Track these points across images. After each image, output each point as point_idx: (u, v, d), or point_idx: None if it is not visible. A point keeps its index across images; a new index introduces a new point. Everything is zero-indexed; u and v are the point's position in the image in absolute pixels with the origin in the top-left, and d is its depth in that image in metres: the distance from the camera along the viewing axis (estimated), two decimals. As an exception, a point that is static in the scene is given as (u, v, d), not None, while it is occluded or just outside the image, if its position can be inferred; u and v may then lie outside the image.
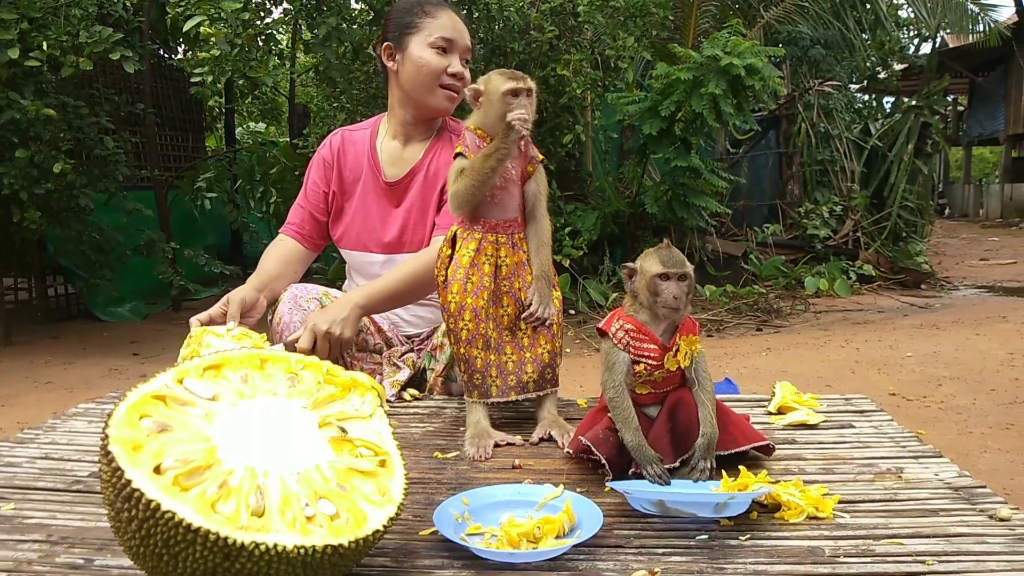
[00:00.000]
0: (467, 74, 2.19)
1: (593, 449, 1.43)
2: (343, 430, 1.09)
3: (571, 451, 1.52)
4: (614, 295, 7.28)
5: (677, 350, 1.45)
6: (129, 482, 0.89)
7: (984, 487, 1.37)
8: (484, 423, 1.71)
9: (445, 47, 2.15)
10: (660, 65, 7.09)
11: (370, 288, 2.04)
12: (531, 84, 1.70)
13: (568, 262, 7.23)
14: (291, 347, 1.93)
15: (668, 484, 1.35)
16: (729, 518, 1.25)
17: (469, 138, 1.73)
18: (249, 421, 1.03)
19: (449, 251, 1.75)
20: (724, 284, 7.88)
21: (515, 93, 1.67)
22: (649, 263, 1.45)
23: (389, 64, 2.20)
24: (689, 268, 1.45)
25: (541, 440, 1.69)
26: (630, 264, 1.49)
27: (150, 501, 0.88)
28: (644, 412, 1.48)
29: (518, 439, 1.69)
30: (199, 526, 0.87)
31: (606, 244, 7.95)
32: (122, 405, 0.97)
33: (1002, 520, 1.23)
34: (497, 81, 1.68)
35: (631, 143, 8.40)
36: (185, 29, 5.41)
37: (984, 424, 3.94)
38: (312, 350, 1.92)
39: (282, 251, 2.31)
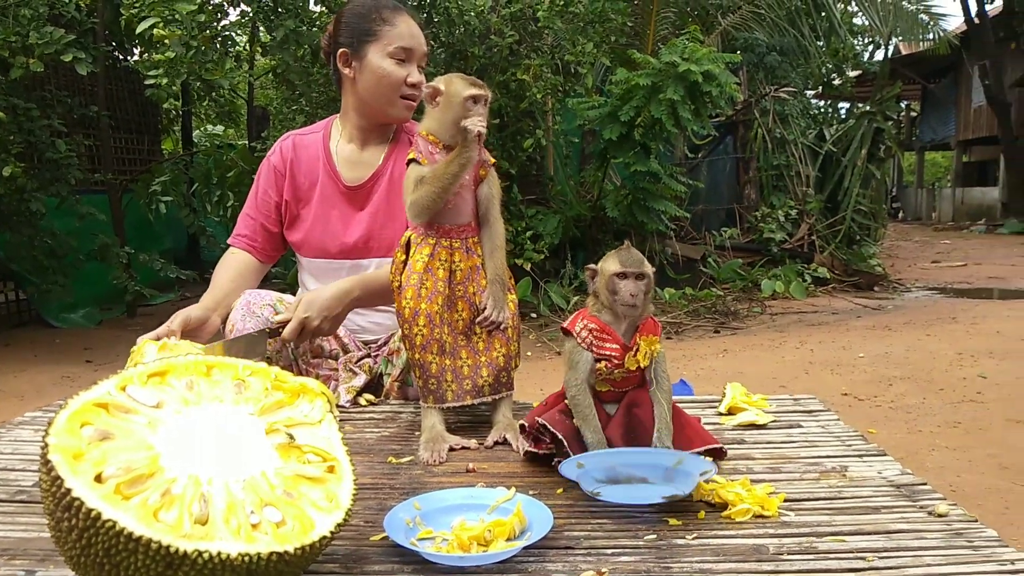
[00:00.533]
0: (424, 80, 2.18)
1: (549, 427, 1.45)
2: (291, 436, 1.09)
3: (525, 423, 1.55)
4: (575, 298, 7.32)
5: (637, 350, 1.47)
6: (69, 491, 0.88)
7: (924, 484, 1.41)
8: (439, 427, 1.71)
9: (404, 57, 2.12)
10: (619, 71, 7.17)
11: (366, 281, 2.05)
12: (489, 93, 1.70)
13: (529, 266, 7.26)
14: (276, 328, 1.96)
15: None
16: (677, 519, 1.27)
17: (422, 144, 1.72)
18: (194, 428, 1.02)
19: (403, 256, 1.74)
20: (683, 287, 7.98)
21: (475, 100, 1.66)
22: (609, 263, 1.50)
23: (345, 71, 2.16)
24: (647, 268, 1.49)
25: (496, 444, 1.70)
26: (592, 265, 1.54)
27: (91, 510, 0.87)
28: (603, 408, 1.51)
29: (473, 443, 1.69)
30: (141, 535, 0.86)
31: (567, 248, 8.00)
32: (63, 413, 0.96)
33: (940, 516, 1.27)
34: (459, 85, 1.67)
35: (592, 148, 8.46)
36: (139, 31, 5.33)
37: (933, 423, 4.04)
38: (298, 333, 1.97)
39: (235, 265, 2.25)
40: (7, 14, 5.43)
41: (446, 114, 1.68)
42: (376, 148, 2.24)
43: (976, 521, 1.25)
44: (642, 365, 1.48)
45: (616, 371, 1.48)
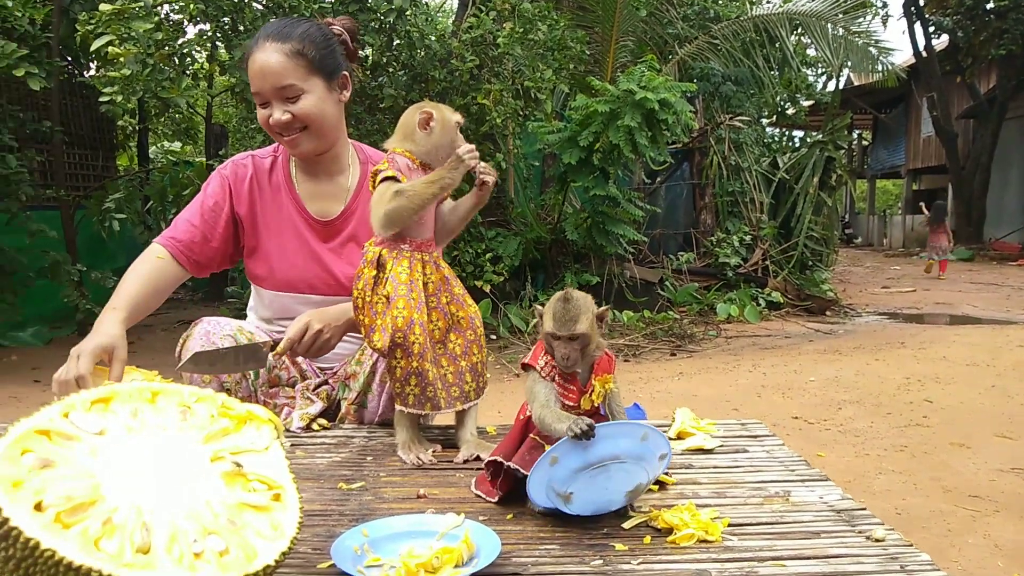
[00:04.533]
0: (298, 108, 2.01)
1: (520, 470, 1.44)
2: (237, 464, 1.08)
3: (502, 460, 1.50)
4: (535, 321, 7.35)
5: (592, 390, 1.49)
6: (7, 520, 0.86)
7: (864, 509, 1.45)
8: (416, 432, 1.81)
9: (259, 101, 2.05)
10: (579, 97, 7.28)
11: None
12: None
13: (489, 287, 7.28)
14: (274, 343, 1.95)
15: (592, 437, 1.32)
16: (623, 544, 1.29)
17: (401, 161, 1.78)
18: (137, 456, 1.01)
19: (373, 272, 1.77)
20: (641, 310, 8.07)
21: (460, 125, 1.82)
22: (546, 319, 1.46)
23: None
24: (582, 325, 1.43)
25: (466, 461, 1.75)
26: (539, 307, 1.52)
27: (29, 539, 0.86)
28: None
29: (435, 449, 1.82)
30: (80, 564, 0.86)
31: (527, 270, 8.05)
32: (4, 440, 0.95)
33: (877, 541, 1.30)
34: (447, 113, 1.81)
35: (552, 171, 8.56)
36: (94, 48, 5.27)
37: (880, 446, 4.13)
38: (297, 342, 1.95)
39: (157, 272, 2.05)
40: (-43, 27, 5.35)
41: (441, 138, 1.79)
42: (332, 180, 2.18)
43: (911, 545, 1.29)
44: (596, 404, 1.50)
45: (572, 409, 1.49)
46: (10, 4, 5.47)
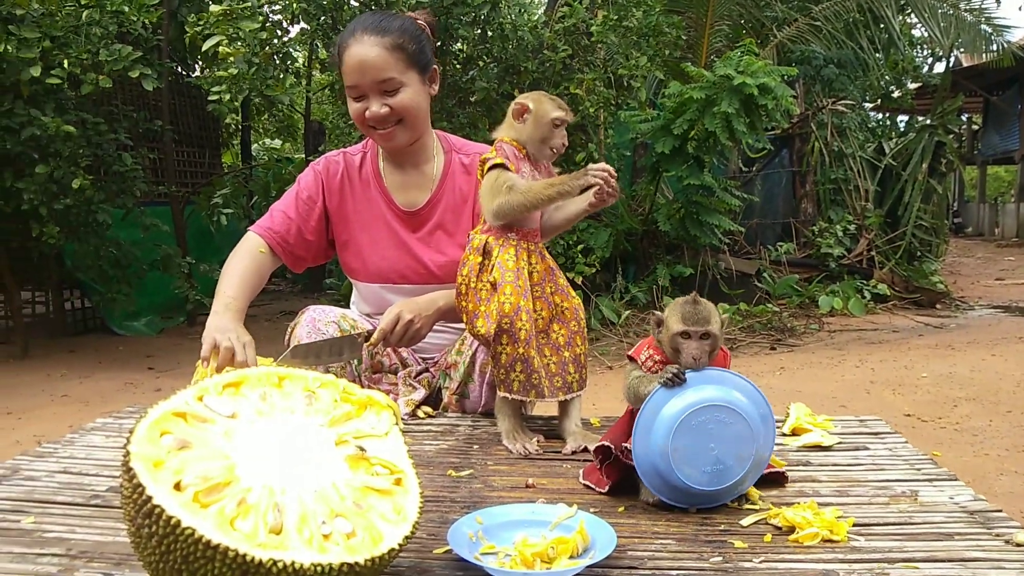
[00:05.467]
0: (396, 102, 2.03)
1: (628, 448, 1.43)
2: (361, 448, 1.10)
3: (612, 447, 1.49)
4: (626, 312, 7.28)
5: None
6: (150, 498, 0.90)
7: (1000, 511, 1.36)
8: (519, 421, 1.82)
9: (355, 94, 2.05)
10: (673, 84, 7.13)
11: (450, 296, 2.03)
12: (571, 117, 1.82)
13: (581, 279, 7.24)
14: (368, 334, 1.98)
15: (683, 381, 1.36)
16: (743, 541, 1.25)
17: (507, 149, 1.80)
18: (267, 438, 1.04)
19: (479, 259, 1.79)
20: (737, 302, 7.86)
21: (561, 122, 1.80)
22: (672, 319, 1.42)
23: None
24: (714, 325, 1.41)
25: (574, 452, 1.74)
26: (657, 313, 1.49)
27: (171, 517, 0.89)
28: None
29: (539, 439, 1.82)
30: (218, 543, 0.89)
31: (619, 262, 7.96)
32: (143, 422, 0.99)
33: (1019, 545, 1.22)
34: (548, 106, 1.80)
35: (644, 161, 8.42)
36: (204, 48, 5.49)
37: (1000, 446, 3.91)
38: (389, 333, 1.97)
39: (265, 269, 2.12)
40: (80, 33, 5.65)
41: (532, 131, 1.80)
42: (418, 170, 2.20)
43: (1057, 551, 1.21)
44: None
45: None
46: (126, 9, 5.74)
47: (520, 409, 1.84)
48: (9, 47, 5.20)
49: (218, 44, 5.30)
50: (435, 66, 2.14)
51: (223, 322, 1.85)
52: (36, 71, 5.32)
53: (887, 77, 11.51)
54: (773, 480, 1.48)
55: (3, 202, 5.78)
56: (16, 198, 5.74)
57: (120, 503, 1.07)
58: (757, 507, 1.39)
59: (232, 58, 5.36)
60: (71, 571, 1.16)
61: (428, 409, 2.10)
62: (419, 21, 2.13)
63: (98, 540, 1.28)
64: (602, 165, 1.72)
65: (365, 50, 1.99)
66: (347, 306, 2.34)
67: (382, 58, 1.99)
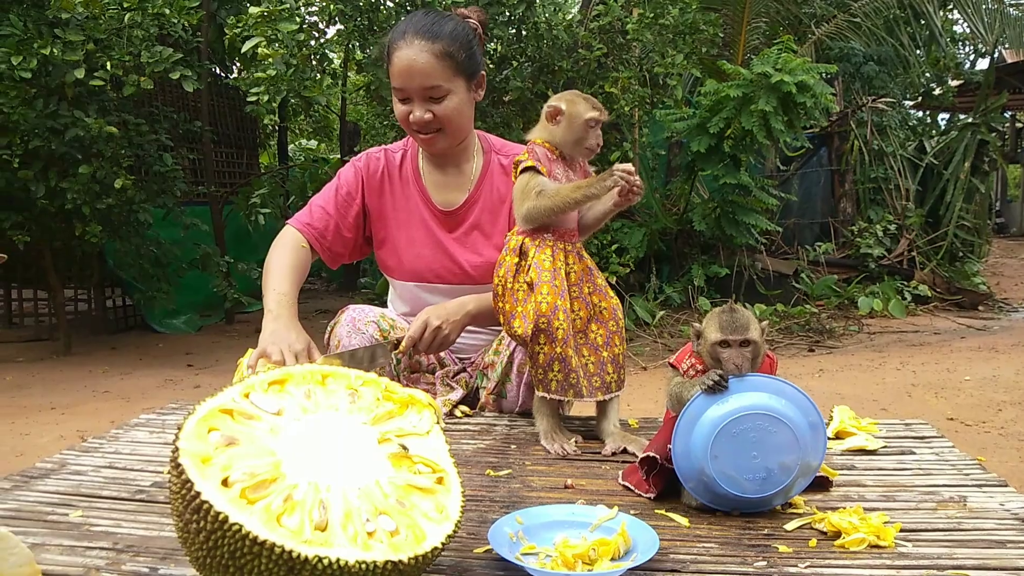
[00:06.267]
0: (440, 109, 2.02)
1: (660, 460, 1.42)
2: (404, 447, 1.10)
3: (656, 456, 1.46)
4: (661, 313, 7.22)
5: None
6: (198, 494, 0.91)
7: (1054, 519, 1.33)
8: (557, 421, 1.81)
9: (400, 96, 2.04)
10: (709, 82, 7.06)
11: (480, 300, 2.05)
12: (607, 116, 1.80)
13: (614, 279, 7.20)
14: (397, 342, 1.99)
15: (725, 388, 1.35)
16: (787, 546, 1.23)
17: (540, 152, 1.80)
18: (312, 436, 1.05)
19: (515, 259, 1.79)
20: (774, 303, 7.75)
21: (596, 122, 1.78)
22: (710, 329, 1.41)
23: None
24: (753, 332, 1.39)
25: (614, 453, 1.73)
26: (696, 325, 1.48)
27: (218, 513, 0.90)
28: None
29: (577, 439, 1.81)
30: (265, 539, 0.89)
31: (653, 261, 7.90)
32: (192, 418, 1.00)
33: (1074, 555, 1.19)
34: (582, 107, 1.78)
35: (678, 160, 8.35)
36: (244, 50, 5.56)
37: (1048, 452, 3.81)
38: (418, 340, 1.97)
39: (298, 259, 2.11)
40: (122, 35, 5.76)
41: (567, 133, 1.79)
42: (458, 170, 2.19)
43: (1116, 561, 1.17)
44: None
45: None
46: (167, 11, 5.84)
47: (558, 409, 1.84)
48: (55, 50, 5.31)
49: (257, 45, 5.37)
50: (482, 72, 2.13)
51: (278, 327, 1.86)
52: (80, 73, 5.43)
53: (928, 74, 11.29)
54: (817, 484, 1.46)
55: (48, 201, 5.90)
56: (60, 197, 5.86)
57: (167, 498, 1.09)
58: (801, 511, 1.37)
59: (270, 59, 5.42)
60: (118, 564, 1.18)
61: (465, 408, 2.10)
62: (471, 21, 2.11)
63: (143, 534, 1.30)
64: (624, 165, 1.71)
65: (414, 55, 1.97)
66: (383, 305, 2.35)
67: (430, 65, 1.97)
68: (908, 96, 11.01)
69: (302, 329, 1.88)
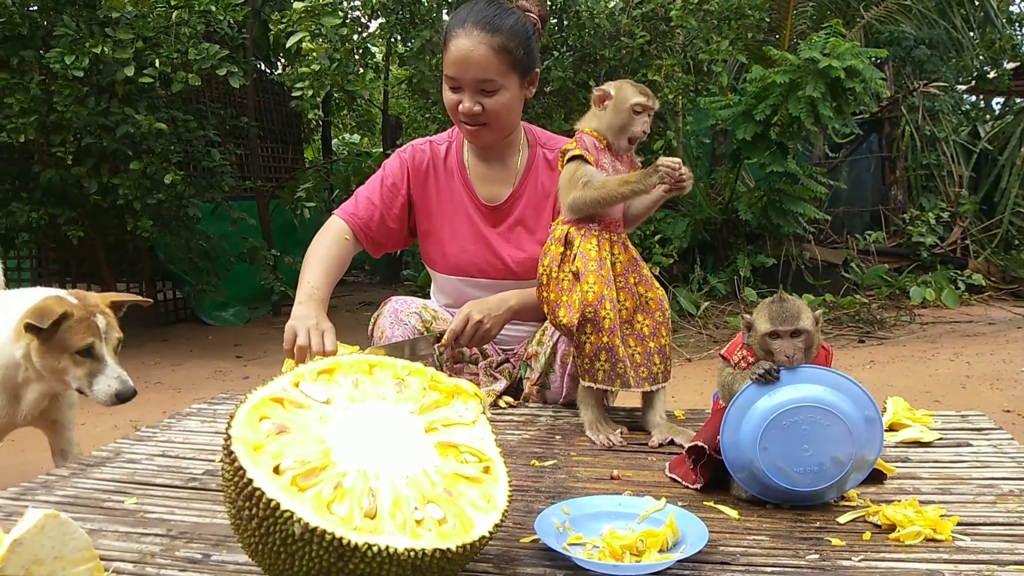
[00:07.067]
0: (490, 103, 2.00)
1: (708, 450, 1.41)
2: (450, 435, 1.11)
3: (705, 446, 1.45)
4: (705, 304, 7.13)
5: None
6: (251, 481, 0.92)
7: (1121, 515, 1.28)
8: (602, 411, 1.80)
9: (452, 84, 2.02)
10: (755, 68, 6.93)
11: (522, 295, 2.06)
12: (656, 104, 1.77)
13: (658, 270, 7.13)
14: (439, 335, 2.00)
15: (776, 379, 1.33)
16: (840, 539, 1.21)
17: (588, 140, 1.79)
18: (360, 424, 1.06)
19: (561, 248, 1.78)
20: (823, 293, 7.60)
21: (642, 108, 1.76)
22: (760, 320, 1.39)
23: None
24: (805, 321, 1.36)
25: (660, 445, 1.72)
26: (747, 316, 1.46)
27: (270, 500, 0.91)
28: None
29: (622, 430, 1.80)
30: (315, 526, 0.90)
31: (697, 252, 7.80)
32: (243, 407, 1.02)
33: None
34: (628, 92, 1.77)
35: (723, 148, 8.23)
36: (288, 45, 5.62)
37: (1111, 445, 3.67)
38: (460, 334, 1.98)
39: (342, 250, 2.11)
40: (170, 33, 5.86)
41: (613, 118, 1.77)
42: (503, 164, 2.18)
43: None
44: None
45: None
46: (213, 8, 5.92)
47: (603, 400, 1.83)
48: (106, 48, 5.43)
49: (301, 41, 5.42)
50: (537, 69, 2.11)
51: (303, 311, 1.89)
52: (130, 71, 5.54)
53: (982, 57, 10.93)
54: (871, 476, 1.43)
55: (100, 197, 6.04)
56: (112, 193, 6.00)
57: (219, 485, 1.11)
58: (854, 504, 1.34)
59: (314, 54, 5.47)
60: (172, 551, 1.21)
61: (509, 399, 2.10)
62: (531, 16, 2.09)
63: (196, 521, 1.32)
64: (669, 160, 1.68)
65: (471, 45, 1.95)
66: (425, 297, 2.36)
67: (486, 58, 1.96)
68: (961, 80, 10.67)
69: (326, 317, 1.91)
